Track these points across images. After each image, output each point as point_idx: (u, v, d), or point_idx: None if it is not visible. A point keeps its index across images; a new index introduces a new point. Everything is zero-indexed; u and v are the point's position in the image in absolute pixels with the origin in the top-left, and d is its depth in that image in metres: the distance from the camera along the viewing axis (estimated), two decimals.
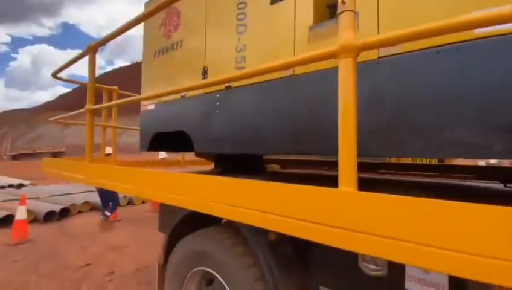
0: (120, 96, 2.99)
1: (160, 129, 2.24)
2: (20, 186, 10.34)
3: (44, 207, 5.86)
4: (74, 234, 5.00)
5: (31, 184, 10.75)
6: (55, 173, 2.43)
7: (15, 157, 34.22)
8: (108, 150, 6.10)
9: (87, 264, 3.63)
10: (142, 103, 2.37)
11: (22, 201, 4.69)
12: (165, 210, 2.03)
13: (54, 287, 3.05)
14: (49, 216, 5.75)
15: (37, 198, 6.44)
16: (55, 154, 37.40)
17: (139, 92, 2.37)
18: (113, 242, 4.49)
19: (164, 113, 2.23)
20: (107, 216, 5.57)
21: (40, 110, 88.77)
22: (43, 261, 3.76)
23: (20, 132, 66.94)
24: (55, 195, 6.82)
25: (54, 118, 2.55)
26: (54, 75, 2.45)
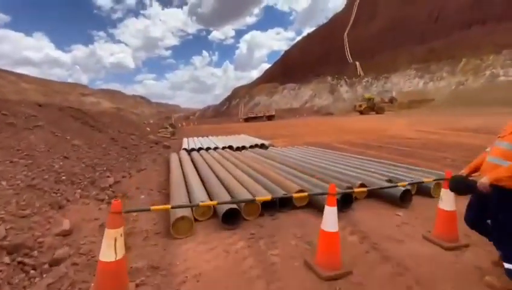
0: None
1: None
2: (262, 146, 10.83)
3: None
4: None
5: (270, 144, 11.04)
6: None
7: (246, 120, 44.89)
8: None
9: None
10: None
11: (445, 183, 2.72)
12: None
13: None
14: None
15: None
16: (268, 117, 45.09)
17: None
18: None
19: None
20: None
21: (254, 84, 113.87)
22: None
23: (246, 101, 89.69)
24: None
25: None
26: None
